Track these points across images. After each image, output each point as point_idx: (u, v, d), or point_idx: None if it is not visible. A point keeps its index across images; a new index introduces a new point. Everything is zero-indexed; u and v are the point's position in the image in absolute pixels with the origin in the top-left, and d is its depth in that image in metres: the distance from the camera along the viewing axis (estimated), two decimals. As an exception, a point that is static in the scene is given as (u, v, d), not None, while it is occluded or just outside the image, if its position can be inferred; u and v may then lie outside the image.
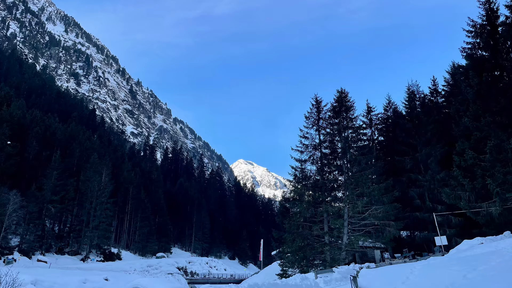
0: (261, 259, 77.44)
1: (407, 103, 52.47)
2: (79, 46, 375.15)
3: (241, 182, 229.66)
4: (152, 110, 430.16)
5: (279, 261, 47.32)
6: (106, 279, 49.61)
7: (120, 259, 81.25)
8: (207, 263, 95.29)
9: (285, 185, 53.70)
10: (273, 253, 62.79)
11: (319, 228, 41.78)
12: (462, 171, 34.93)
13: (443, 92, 56.75)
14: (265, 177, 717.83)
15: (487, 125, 33.12)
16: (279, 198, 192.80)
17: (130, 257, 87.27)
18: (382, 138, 57.81)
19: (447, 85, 56.00)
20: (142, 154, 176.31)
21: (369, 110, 56.73)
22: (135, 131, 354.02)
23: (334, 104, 46.39)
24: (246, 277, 71.18)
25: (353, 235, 39.51)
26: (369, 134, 54.82)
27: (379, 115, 57.61)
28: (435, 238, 34.59)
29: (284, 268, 42.00)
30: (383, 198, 39.30)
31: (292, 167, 45.63)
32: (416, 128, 46.91)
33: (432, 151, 43.95)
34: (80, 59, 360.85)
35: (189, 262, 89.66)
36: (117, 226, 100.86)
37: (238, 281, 60.20)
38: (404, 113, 54.51)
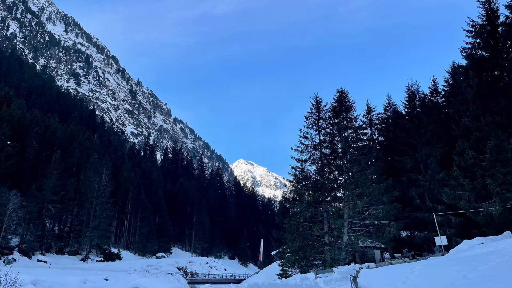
0: (261, 259, 77.48)
1: (407, 103, 52.46)
2: (79, 46, 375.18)
3: (241, 182, 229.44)
4: (152, 110, 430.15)
5: (279, 261, 47.33)
6: (106, 279, 49.67)
7: (120, 259, 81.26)
8: (207, 263, 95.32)
9: (285, 185, 53.72)
10: (273, 253, 62.78)
11: (319, 228, 41.79)
12: (462, 171, 34.90)
13: (443, 92, 56.74)
14: (265, 177, 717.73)
15: (487, 125, 33.10)
16: (279, 198, 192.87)
17: (130, 257, 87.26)
18: (382, 138, 57.81)
19: (447, 85, 56.01)
20: (142, 154, 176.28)
21: (369, 110, 56.76)
22: (135, 131, 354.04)
23: (334, 104, 46.45)
24: (246, 277, 71.15)
25: (353, 235, 39.53)
26: (369, 134, 54.87)
27: (379, 115, 57.71)
28: (435, 238, 34.56)
29: (284, 268, 42.00)
30: (383, 198, 39.31)
31: (292, 167, 45.71)
32: (416, 128, 46.87)
33: (432, 151, 43.94)
34: (80, 59, 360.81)
35: (189, 262, 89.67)
36: (117, 226, 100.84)
37: (238, 281, 60.18)
38: (404, 113, 54.49)
